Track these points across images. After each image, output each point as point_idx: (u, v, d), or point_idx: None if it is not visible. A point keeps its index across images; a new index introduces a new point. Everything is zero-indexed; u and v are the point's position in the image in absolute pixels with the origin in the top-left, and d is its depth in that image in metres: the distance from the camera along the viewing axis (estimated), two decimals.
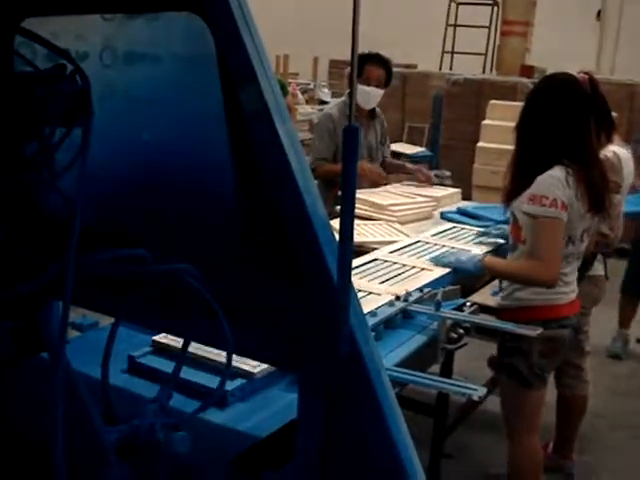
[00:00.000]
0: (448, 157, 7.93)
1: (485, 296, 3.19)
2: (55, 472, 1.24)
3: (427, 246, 3.43)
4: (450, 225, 3.90)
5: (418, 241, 3.51)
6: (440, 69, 11.77)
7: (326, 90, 10.95)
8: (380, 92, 4.67)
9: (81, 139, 1.46)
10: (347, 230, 1.37)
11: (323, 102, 10.19)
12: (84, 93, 1.47)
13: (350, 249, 1.38)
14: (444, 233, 3.74)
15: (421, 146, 8.26)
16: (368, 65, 4.61)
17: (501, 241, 3.50)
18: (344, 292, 1.39)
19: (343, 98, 4.97)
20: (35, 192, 1.55)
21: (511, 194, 2.89)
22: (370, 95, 4.63)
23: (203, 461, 1.55)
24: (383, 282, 2.88)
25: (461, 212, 4.13)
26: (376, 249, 3.32)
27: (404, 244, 3.44)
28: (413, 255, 3.29)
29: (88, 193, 1.40)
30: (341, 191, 1.36)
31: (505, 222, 3.43)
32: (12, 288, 1.35)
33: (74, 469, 1.27)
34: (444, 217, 4.11)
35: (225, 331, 1.41)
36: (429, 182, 4.88)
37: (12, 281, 1.42)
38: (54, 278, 1.34)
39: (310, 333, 1.51)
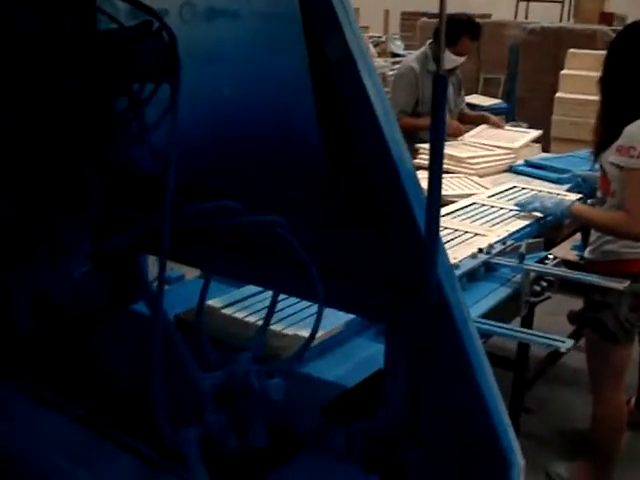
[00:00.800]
0: (525, 109, 7.73)
1: (565, 250, 3.15)
2: (157, 418, 1.29)
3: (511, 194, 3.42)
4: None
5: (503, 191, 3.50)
6: (515, 18, 11.43)
7: (399, 42, 10.74)
8: (463, 58, 4.59)
9: (170, 94, 1.49)
10: (436, 179, 1.36)
11: (396, 55, 10.01)
12: (171, 49, 1.49)
13: (439, 198, 1.38)
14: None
15: (497, 98, 8.07)
16: (465, 37, 4.49)
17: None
18: (432, 241, 1.38)
19: (423, 49, 4.86)
20: (126, 148, 1.58)
21: (599, 146, 2.83)
22: (455, 61, 4.57)
23: (293, 409, 1.58)
24: (483, 224, 2.93)
25: (533, 165, 4.02)
26: (455, 202, 3.30)
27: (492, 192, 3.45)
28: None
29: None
30: (430, 140, 1.35)
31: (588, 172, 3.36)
32: (108, 240, 1.39)
33: (173, 415, 1.33)
34: (516, 171, 4.01)
35: (315, 282, 1.42)
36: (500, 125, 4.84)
37: (107, 234, 1.46)
38: (148, 231, 1.38)
39: (398, 283, 1.51)
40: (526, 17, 11.62)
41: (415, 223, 1.40)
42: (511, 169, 4.03)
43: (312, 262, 1.47)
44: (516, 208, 3.12)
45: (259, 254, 1.60)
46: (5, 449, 1.51)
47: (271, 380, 1.35)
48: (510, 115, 7.44)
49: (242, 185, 1.64)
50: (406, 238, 1.44)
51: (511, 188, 3.58)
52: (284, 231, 1.44)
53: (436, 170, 1.36)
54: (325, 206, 1.58)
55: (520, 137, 4.50)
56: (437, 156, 1.36)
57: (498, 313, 2.35)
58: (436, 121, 1.35)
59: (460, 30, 4.46)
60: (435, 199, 1.36)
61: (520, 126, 5.48)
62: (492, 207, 3.24)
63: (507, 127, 5.06)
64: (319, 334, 1.93)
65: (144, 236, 1.44)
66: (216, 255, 1.57)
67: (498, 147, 4.22)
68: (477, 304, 2.31)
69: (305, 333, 1.93)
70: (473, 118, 5.17)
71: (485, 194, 3.46)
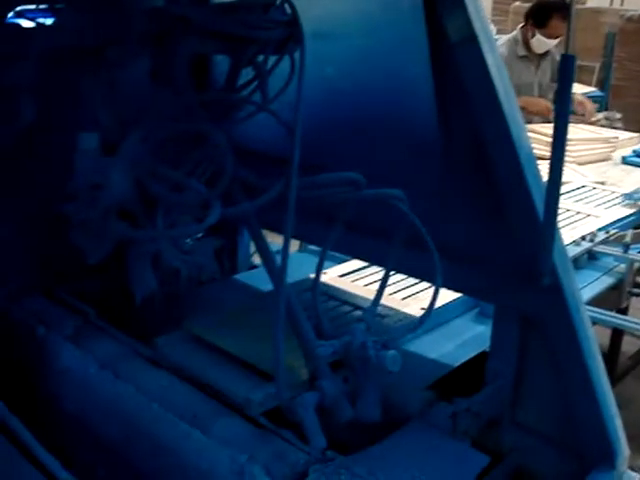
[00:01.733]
0: (619, 98, 7.50)
1: None
2: (276, 382, 1.32)
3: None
4: None
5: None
6: (611, 4, 11.07)
7: (491, 27, 10.53)
8: (556, 41, 4.47)
9: (294, 66, 1.50)
10: (557, 163, 1.34)
11: None
12: (295, 21, 1.51)
13: (559, 181, 1.36)
14: None
15: (590, 86, 7.84)
16: (555, 19, 4.36)
17: None
18: (550, 224, 1.37)
19: (514, 33, 4.77)
20: (248, 119, 1.60)
21: None
22: (546, 44, 4.46)
23: (399, 384, 1.60)
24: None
25: None
26: None
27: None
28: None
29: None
30: (554, 122, 1.33)
31: None
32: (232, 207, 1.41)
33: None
34: (627, 162, 3.89)
35: (435, 261, 1.42)
36: (587, 116, 4.67)
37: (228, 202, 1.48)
38: (272, 201, 1.40)
39: (513, 265, 1.50)
40: (622, 4, 11.24)
41: (533, 205, 1.39)
42: (623, 160, 3.93)
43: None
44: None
45: (375, 230, 1.61)
46: (128, 411, 1.57)
47: (388, 352, 1.36)
48: (604, 104, 7.22)
49: (360, 160, 1.64)
50: (523, 220, 1.42)
51: None
52: (404, 205, 1.44)
53: (558, 153, 1.34)
54: (441, 185, 1.58)
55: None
56: (560, 139, 1.33)
57: (599, 303, 2.30)
58: (561, 103, 1.33)
59: (550, 11, 4.34)
60: (555, 182, 1.34)
61: (614, 116, 5.31)
62: (602, 190, 3.25)
63: (599, 116, 4.90)
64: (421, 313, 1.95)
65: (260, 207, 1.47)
66: (331, 230, 1.58)
67: (596, 139, 4.10)
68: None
69: (407, 310, 1.95)
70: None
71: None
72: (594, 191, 3.27)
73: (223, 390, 1.52)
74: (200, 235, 1.84)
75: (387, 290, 1.97)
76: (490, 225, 1.52)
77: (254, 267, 2.33)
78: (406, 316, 1.87)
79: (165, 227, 1.42)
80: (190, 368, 1.62)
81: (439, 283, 1.45)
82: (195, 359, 1.64)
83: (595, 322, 2.14)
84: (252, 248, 2.42)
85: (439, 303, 1.98)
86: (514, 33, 4.78)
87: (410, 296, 2.06)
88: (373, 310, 1.52)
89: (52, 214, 1.63)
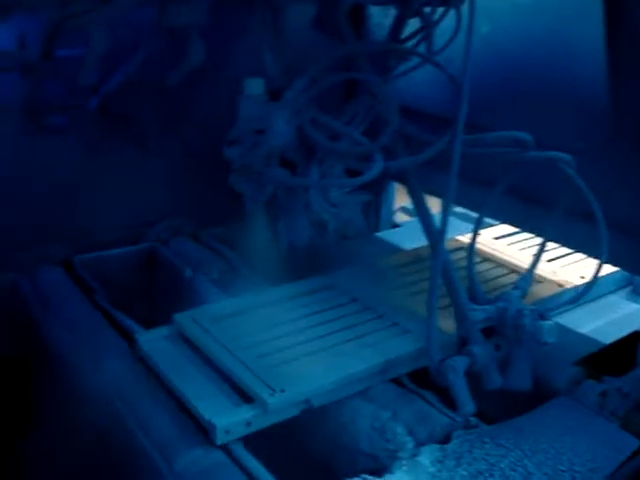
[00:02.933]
0: None
1: None
2: (428, 344, 1.30)
3: None
4: None
5: None
6: None
7: None
8: None
9: (459, 20, 1.45)
10: None
11: None
12: None
13: None
14: None
15: None
16: None
17: None
18: None
19: None
20: (411, 72, 1.56)
21: None
22: None
23: (547, 357, 1.53)
24: None
25: None
26: None
27: None
28: None
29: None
30: None
31: None
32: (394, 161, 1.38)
33: None
34: None
35: (602, 233, 1.34)
36: None
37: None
38: (435, 157, 1.36)
39: None
40: None
41: None
42: None
43: (583, 213, 1.39)
44: None
45: (534, 196, 1.54)
46: None
47: (544, 322, 1.31)
48: None
49: (520, 125, 1.57)
50: None
51: None
52: (572, 170, 1.36)
53: None
54: (607, 153, 1.49)
55: None
56: None
57: None
58: None
59: None
60: None
61: None
62: None
63: None
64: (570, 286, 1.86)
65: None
66: (489, 194, 1.52)
67: None
68: None
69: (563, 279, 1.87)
70: None
71: None
72: None
73: (191, 408, 1.32)
74: (348, 189, 1.83)
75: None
76: None
77: (396, 226, 2.30)
78: (561, 285, 1.79)
79: (320, 178, 1.41)
80: (166, 375, 1.42)
81: (605, 258, 1.37)
82: (175, 363, 1.46)
83: None
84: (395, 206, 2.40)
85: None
86: None
87: (569, 265, 1.97)
88: (529, 277, 1.45)
89: (207, 158, 1.66)
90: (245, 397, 1.34)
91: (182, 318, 1.58)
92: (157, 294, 2.04)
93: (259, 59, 1.40)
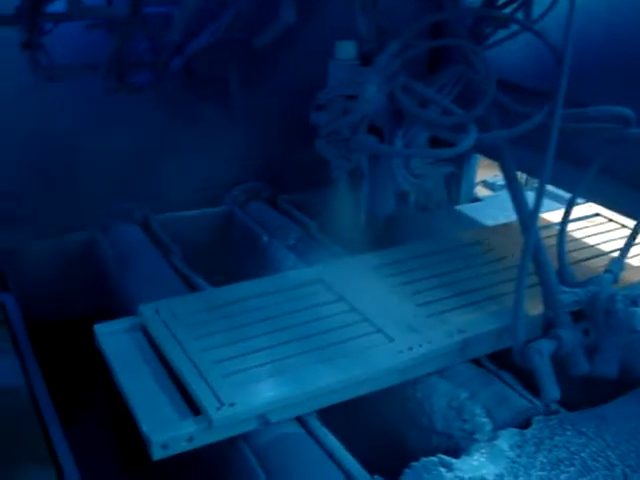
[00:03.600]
0: None
1: None
2: (513, 326, 1.25)
3: None
4: None
5: None
6: None
7: None
8: None
9: None
10: None
11: None
12: None
13: None
14: None
15: None
16: None
17: None
18: None
19: None
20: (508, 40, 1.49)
21: None
22: None
23: (634, 344, 1.47)
24: None
25: None
26: None
27: None
28: None
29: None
30: None
31: None
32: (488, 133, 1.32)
33: None
34: None
35: None
36: None
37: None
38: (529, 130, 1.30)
39: None
40: None
41: None
42: None
43: None
44: None
45: (630, 177, 1.47)
46: None
47: (638, 309, 1.24)
48: None
49: (619, 102, 1.49)
50: None
51: None
52: None
53: None
54: None
55: None
56: None
57: None
58: None
59: None
60: None
61: None
62: None
63: None
64: None
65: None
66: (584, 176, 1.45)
67: None
68: None
69: None
70: None
71: None
72: None
73: (133, 416, 1.20)
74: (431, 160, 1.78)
75: None
76: None
77: (476, 200, 2.24)
78: None
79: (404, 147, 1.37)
80: (116, 373, 1.31)
81: None
82: (129, 362, 1.34)
83: None
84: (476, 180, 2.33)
85: None
86: None
87: None
88: (621, 261, 1.39)
89: (290, 122, 1.63)
90: (195, 407, 1.21)
91: (145, 310, 1.44)
92: (232, 257, 2.03)
93: (351, 21, 1.35)
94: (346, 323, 1.43)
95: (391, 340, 1.37)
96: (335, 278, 1.58)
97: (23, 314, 1.60)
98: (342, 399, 1.28)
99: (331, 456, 1.18)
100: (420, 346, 1.35)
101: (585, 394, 1.41)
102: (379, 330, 1.40)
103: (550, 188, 2.01)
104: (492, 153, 1.47)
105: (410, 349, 1.34)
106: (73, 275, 1.97)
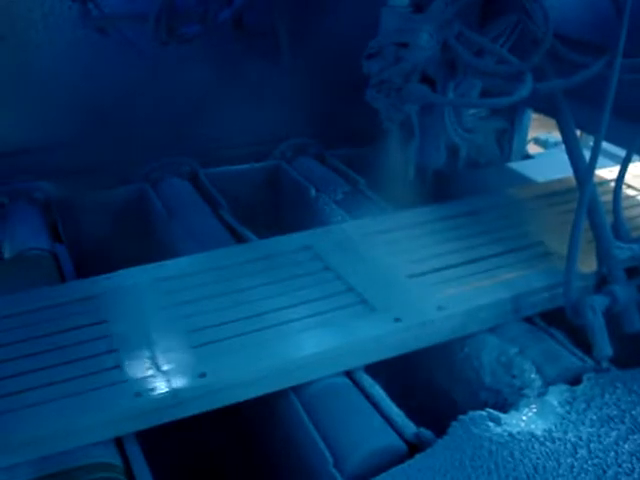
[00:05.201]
0: None
1: None
2: (565, 280, 1.22)
3: None
4: None
5: None
6: None
7: None
8: None
9: None
10: None
11: None
12: None
13: None
14: None
15: None
16: None
17: None
18: None
19: None
20: None
21: None
22: None
23: None
24: None
25: None
26: None
27: None
28: None
29: None
30: None
31: None
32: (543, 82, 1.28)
33: None
34: None
35: None
36: None
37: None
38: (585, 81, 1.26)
39: None
40: None
41: None
42: None
43: None
44: None
45: None
46: None
47: None
48: None
49: None
50: None
51: None
52: None
53: None
54: None
55: None
56: None
57: None
58: None
59: None
60: None
61: None
62: None
63: None
64: None
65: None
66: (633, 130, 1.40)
67: None
68: None
69: None
70: None
71: None
72: None
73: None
74: (483, 114, 1.74)
75: None
76: None
77: (528, 157, 2.19)
78: None
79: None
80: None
81: None
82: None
83: None
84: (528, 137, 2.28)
85: None
86: None
87: None
88: None
89: (340, 76, 1.60)
90: None
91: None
92: (280, 211, 2.03)
93: None
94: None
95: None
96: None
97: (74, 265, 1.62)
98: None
99: (377, 407, 1.18)
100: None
101: (637, 352, 1.38)
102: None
103: (604, 145, 1.95)
104: (546, 107, 1.42)
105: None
106: (123, 228, 1.99)
